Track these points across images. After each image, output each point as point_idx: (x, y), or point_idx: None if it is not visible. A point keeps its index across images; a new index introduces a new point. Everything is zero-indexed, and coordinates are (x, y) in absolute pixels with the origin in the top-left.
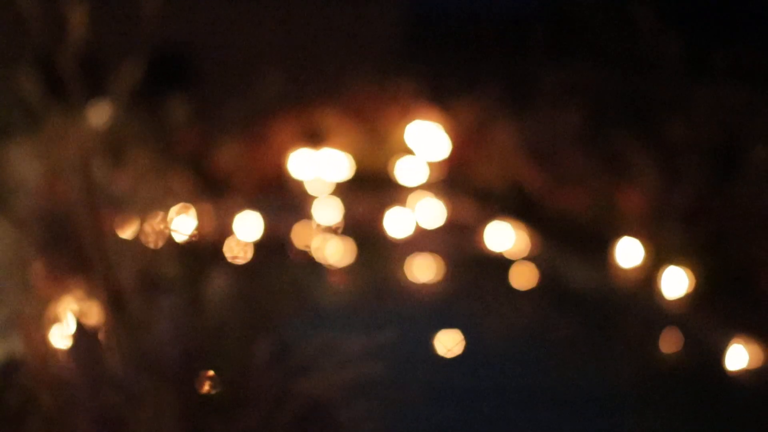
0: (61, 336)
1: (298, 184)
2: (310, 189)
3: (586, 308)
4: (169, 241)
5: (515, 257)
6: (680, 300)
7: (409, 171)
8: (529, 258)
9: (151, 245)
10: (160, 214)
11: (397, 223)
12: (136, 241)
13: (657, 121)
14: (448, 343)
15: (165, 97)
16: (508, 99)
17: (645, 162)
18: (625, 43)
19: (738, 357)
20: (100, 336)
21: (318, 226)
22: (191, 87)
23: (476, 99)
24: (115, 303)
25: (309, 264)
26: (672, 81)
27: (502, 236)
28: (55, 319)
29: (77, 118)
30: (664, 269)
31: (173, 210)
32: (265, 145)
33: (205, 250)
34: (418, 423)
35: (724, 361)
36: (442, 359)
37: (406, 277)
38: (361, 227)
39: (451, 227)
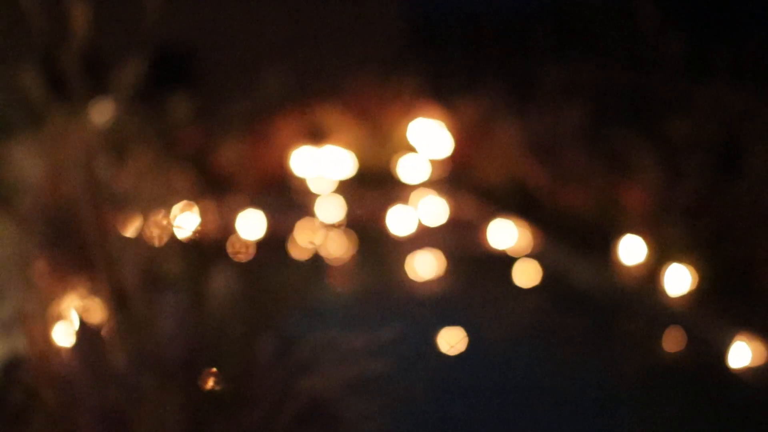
0: (64, 333)
1: (301, 182)
2: (312, 186)
3: (589, 306)
4: (172, 239)
5: (518, 255)
6: (683, 297)
7: (411, 169)
8: (532, 255)
9: (154, 243)
10: (163, 211)
11: (400, 221)
12: (139, 239)
13: (659, 119)
14: (451, 340)
15: (168, 95)
16: (511, 97)
17: (647, 160)
18: (627, 41)
19: (741, 354)
20: (103, 333)
21: (321, 223)
22: (194, 85)
23: (479, 97)
24: (118, 300)
25: (312, 262)
26: (674, 79)
27: (505, 234)
28: (58, 317)
29: (80, 117)
30: (666, 267)
31: (176, 208)
32: (268, 142)
33: (207, 248)
34: (421, 420)
35: (727, 358)
36: (444, 357)
37: (408, 274)
38: (364, 225)
39: (453, 225)
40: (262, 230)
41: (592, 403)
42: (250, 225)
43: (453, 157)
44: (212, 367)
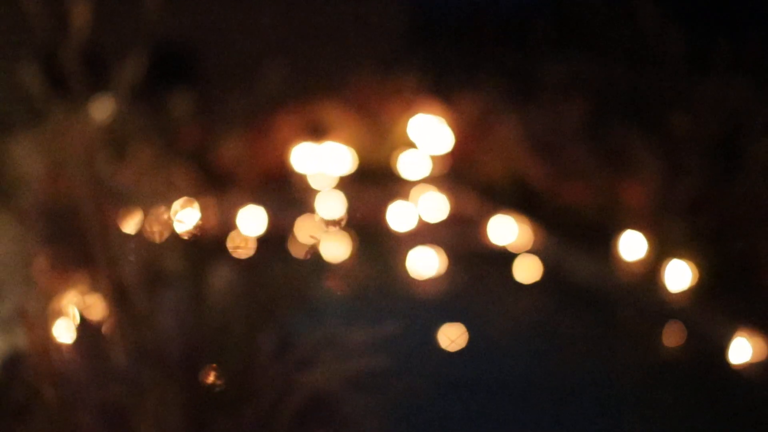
0: (64, 330)
1: (301, 179)
2: (312, 183)
3: (590, 301)
4: (173, 235)
5: (518, 251)
6: (683, 293)
7: (412, 165)
8: (533, 251)
9: (155, 240)
10: (164, 208)
11: (400, 217)
12: (139, 236)
13: (659, 115)
14: (452, 336)
15: (168, 92)
16: (511, 93)
17: (648, 155)
18: (628, 38)
19: (741, 350)
20: (104, 330)
21: (321, 219)
22: (194, 82)
23: (479, 93)
24: (118, 297)
25: (312, 258)
26: (674, 75)
27: (505, 230)
28: (59, 313)
29: (80, 113)
30: (667, 262)
31: (176, 204)
32: (268, 139)
33: (208, 245)
34: (421, 416)
35: (727, 354)
36: (445, 352)
37: (408, 270)
38: (364, 221)
39: (454, 221)
40: (262, 227)
41: (592, 398)
42: (251, 221)
43: (453, 153)
44: (213, 363)
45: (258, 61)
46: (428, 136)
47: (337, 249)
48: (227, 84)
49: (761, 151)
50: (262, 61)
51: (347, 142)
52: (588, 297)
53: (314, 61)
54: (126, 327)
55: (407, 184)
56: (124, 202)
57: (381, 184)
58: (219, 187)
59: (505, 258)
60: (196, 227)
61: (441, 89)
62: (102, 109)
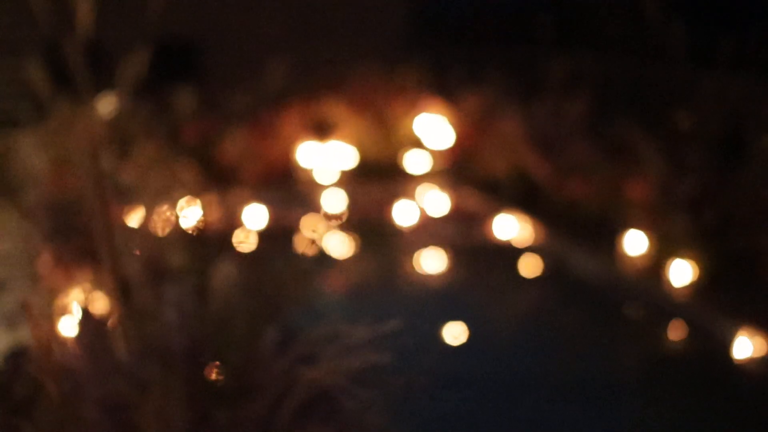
0: (68, 324)
1: (305, 175)
2: (316, 179)
3: (593, 297)
4: (177, 230)
5: (522, 246)
6: (686, 288)
7: (415, 161)
8: (536, 247)
9: (159, 235)
10: (167, 204)
11: (404, 213)
12: (143, 231)
13: (662, 110)
14: (454, 330)
15: (172, 88)
16: (514, 89)
17: (650, 152)
18: (630, 32)
19: (743, 346)
20: (108, 324)
21: (324, 215)
22: (198, 78)
23: (482, 89)
24: (122, 292)
25: (315, 254)
26: (677, 70)
27: (509, 225)
28: (63, 308)
29: (85, 109)
30: (670, 258)
31: (180, 200)
32: (272, 136)
33: (212, 240)
34: (424, 410)
35: (729, 349)
36: (448, 347)
37: (412, 266)
38: (368, 217)
39: (457, 217)
40: (265, 222)
41: (595, 393)
42: (254, 217)
43: (457, 150)
44: (216, 358)
45: (262, 57)
46: (432, 132)
47: (340, 245)
48: (231, 80)
49: (764, 147)
50: (266, 58)
51: (351, 139)
52: (591, 292)
53: (318, 58)
54: (129, 322)
55: (411, 180)
56: (129, 197)
57: (385, 181)
58: (222, 182)
59: (508, 253)
60: (200, 223)
61: (444, 86)
62: (106, 105)
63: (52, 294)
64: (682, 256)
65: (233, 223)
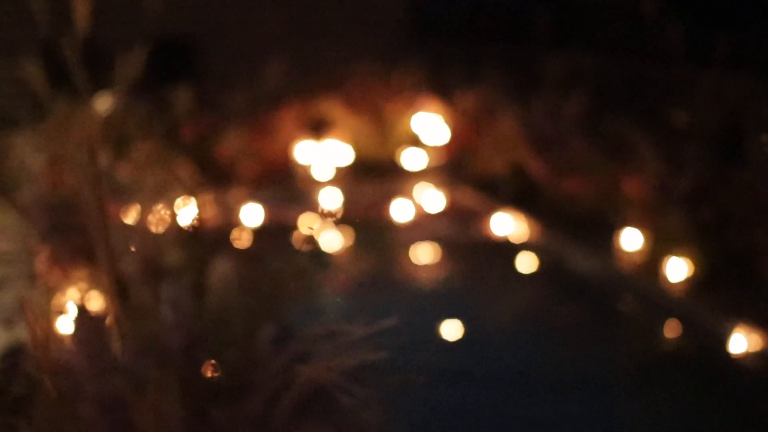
0: (65, 322)
1: (302, 173)
2: (313, 177)
3: (589, 293)
4: (174, 228)
5: (518, 243)
6: (682, 285)
7: (412, 159)
8: (532, 244)
9: (156, 233)
10: (165, 202)
11: (400, 210)
12: (140, 229)
13: (659, 108)
14: (451, 327)
15: (169, 87)
16: (511, 86)
17: (647, 149)
18: (628, 30)
19: (739, 342)
20: (105, 322)
21: (321, 213)
22: (195, 76)
23: (479, 87)
24: (119, 290)
25: (312, 251)
26: (675, 68)
27: (505, 222)
28: (60, 306)
29: (82, 107)
30: (666, 255)
31: (177, 198)
32: (270, 134)
33: (208, 238)
34: (421, 408)
35: (725, 345)
36: (445, 344)
37: (408, 262)
38: (365, 214)
39: (454, 214)
40: (262, 220)
41: (592, 389)
42: (251, 215)
43: (453, 147)
44: (213, 356)
45: (259, 56)
46: (428, 130)
47: (337, 242)
48: (228, 79)
49: (761, 145)
50: (263, 57)
51: (348, 137)
52: (587, 289)
53: (316, 57)
54: (126, 320)
55: (407, 177)
56: (126, 195)
57: (381, 178)
58: (220, 181)
59: (504, 250)
60: (196, 221)
61: (441, 83)
62: (104, 103)
63: (49, 292)
64: (678, 254)
65: (230, 221)
